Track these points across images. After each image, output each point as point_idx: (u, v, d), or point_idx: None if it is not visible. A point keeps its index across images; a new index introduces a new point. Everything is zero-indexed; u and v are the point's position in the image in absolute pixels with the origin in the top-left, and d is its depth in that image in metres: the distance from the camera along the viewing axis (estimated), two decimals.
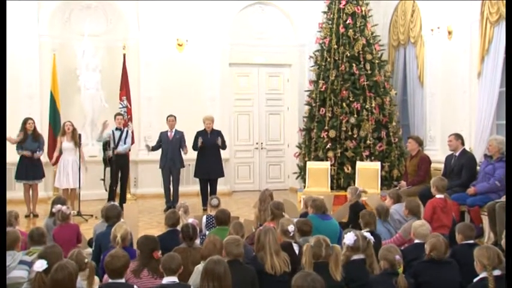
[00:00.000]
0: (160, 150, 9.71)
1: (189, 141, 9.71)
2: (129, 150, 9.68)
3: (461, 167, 7.65)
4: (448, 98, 9.54)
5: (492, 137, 7.63)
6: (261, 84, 12.16)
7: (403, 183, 8.53)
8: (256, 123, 12.15)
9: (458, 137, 7.96)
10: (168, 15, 11.10)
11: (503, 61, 8.18)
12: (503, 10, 7.96)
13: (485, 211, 6.69)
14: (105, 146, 9.13)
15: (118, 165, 9.16)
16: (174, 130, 9.67)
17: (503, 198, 6.48)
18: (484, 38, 8.54)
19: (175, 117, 9.70)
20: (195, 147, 9.56)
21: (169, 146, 9.56)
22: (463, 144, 7.92)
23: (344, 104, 9.97)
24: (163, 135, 9.66)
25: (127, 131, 9.49)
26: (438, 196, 6.09)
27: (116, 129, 9.28)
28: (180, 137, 9.64)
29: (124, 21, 11.20)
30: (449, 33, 9.39)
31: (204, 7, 11.26)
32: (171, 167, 9.57)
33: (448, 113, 9.54)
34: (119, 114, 9.55)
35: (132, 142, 10.56)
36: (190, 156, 9.77)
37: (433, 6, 9.82)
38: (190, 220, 5.45)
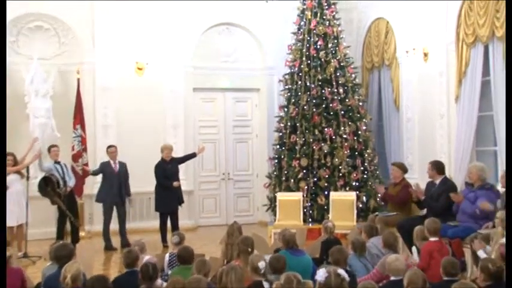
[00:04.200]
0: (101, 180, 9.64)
1: (147, 173, 9.73)
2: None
3: (441, 194, 7.73)
4: (426, 123, 9.71)
5: (472, 164, 7.79)
6: (228, 110, 12.20)
7: (379, 188, 8.63)
8: (222, 152, 12.14)
9: (435, 165, 8.05)
10: (126, 36, 11.10)
11: (481, 84, 8.42)
12: (479, 32, 8.23)
13: (467, 243, 6.76)
14: (47, 182, 8.85)
15: (66, 202, 9.04)
16: (117, 161, 9.65)
17: (484, 230, 6.59)
18: (460, 60, 8.77)
19: (116, 148, 9.71)
20: (163, 182, 9.56)
21: (115, 180, 9.50)
22: (440, 173, 8.00)
23: (316, 131, 10.04)
24: (106, 166, 9.56)
25: (65, 164, 9.46)
26: (432, 239, 6.12)
27: (55, 162, 9.21)
28: (125, 169, 9.67)
29: (78, 43, 11.11)
30: (425, 55, 9.60)
31: (166, 28, 11.31)
32: (117, 203, 9.52)
33: (426, 138, 9.70)
34: (53, 146, 9.40)
35: (86, 175, 10.45)
36: (148, 189, 9.73)
37: (408, 27, 10.07)
38: (147, 258, 5.37)
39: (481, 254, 5.66)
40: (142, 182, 9.99)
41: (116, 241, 9.53)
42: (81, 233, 10.05)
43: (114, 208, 9.64)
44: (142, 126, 11.05)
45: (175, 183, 9.58)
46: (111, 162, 9.59)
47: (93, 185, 10.71)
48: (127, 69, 11.12)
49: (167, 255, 6.28)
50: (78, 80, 10.73)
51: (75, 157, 10.46)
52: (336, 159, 9.92)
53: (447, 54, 9.12)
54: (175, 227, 9.49)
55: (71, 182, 9.26)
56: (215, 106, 12.17)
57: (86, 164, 10.50)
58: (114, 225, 9.65)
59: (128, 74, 11.12)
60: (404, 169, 8.76)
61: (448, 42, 9.06)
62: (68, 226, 9.20)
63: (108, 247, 9.39)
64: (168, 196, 9.55)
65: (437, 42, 9.34)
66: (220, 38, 12.05)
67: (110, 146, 9.75)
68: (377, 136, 11.20)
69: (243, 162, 12.28)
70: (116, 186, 9.49)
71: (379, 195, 8.82)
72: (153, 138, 10.90)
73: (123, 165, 9.66)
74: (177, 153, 10.42)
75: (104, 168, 9.55)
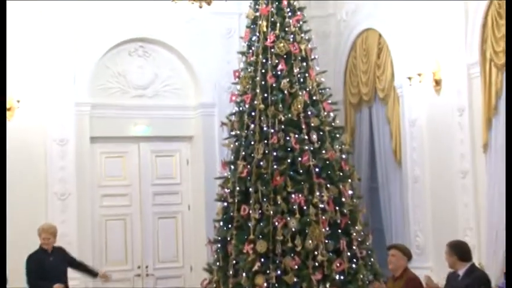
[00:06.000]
0: None
1: (17, 269, 9.39)
2: None
3: None
4: (441, 184, 9.75)
5: None
6: (145, 169, 12.21)
7: (379, 285, 8.79)
8: (137, 234, 12.06)
9: (456, 248, 7.95)
10: None
11: None
12: None
13: None
14: None
15: None
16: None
17: None
18: (489, 89, 8.84)
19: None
20: (38, 284, 9.38)
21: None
22: (464, 259, 7.88)
23: (279, 198, 9.85)
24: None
25: None
26: None
27: None
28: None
29: None
30: (437, 83, 9.70)
31: (47, 49, 11.17)
32: None
33: (443, 207, 9.71)
34: None
35: None
36: None
37: (410, 42, 10.19)
38: None
39: None
40: (11, 283, 9.54)
41: None
42: None
43: None
44: (12, 195, 10.52)
45: (56, 286, 9.21)
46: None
47: None
48: None
49: None
50: None
51: None
52: (310, 242, 9.71)
53: (469, 82, 9.19)
54: None
55: None
56: (125, 164, 12.16)
57: None
58: None
59: None
60: (408, 254, 8.66)
61: (470, 63, 9.15)
62: None
63: None
64: None
65: (453, 63, 9.43)
66: (132, 62, 12.09)
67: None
68: (369, 205, 11.22)
69: (169, 248, 12.26)
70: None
71: None
72: (29, 214, 10.68)
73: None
74: (66, 238, 10.19)
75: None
